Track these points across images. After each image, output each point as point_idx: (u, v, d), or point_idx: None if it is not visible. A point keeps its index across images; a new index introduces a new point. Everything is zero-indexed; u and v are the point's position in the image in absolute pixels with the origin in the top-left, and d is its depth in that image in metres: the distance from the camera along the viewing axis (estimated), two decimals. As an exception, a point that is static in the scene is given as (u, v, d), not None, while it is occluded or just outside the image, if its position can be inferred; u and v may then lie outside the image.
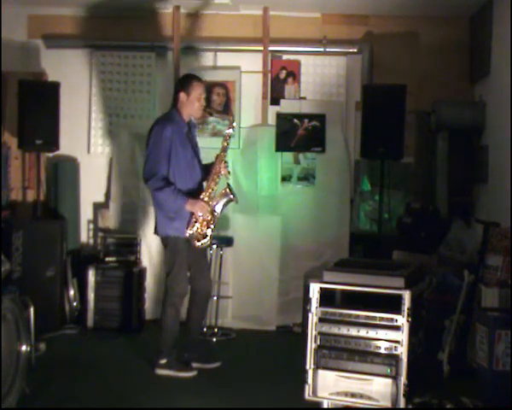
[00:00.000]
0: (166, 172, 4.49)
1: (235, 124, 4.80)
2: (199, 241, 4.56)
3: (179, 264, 4.58)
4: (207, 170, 4.69)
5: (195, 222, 4.53)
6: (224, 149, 4.65)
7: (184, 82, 4.69)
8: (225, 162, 4.65)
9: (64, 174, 6.48)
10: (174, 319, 4.61)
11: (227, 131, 4.70)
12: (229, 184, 4.72)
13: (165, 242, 4.63)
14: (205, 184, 4.67)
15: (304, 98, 6.39)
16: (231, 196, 4.66)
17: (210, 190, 4.60)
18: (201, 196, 4.56)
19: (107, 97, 6.65)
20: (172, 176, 4.51)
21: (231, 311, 5.98)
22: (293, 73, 6.49)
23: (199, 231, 4.54)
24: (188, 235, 4.53)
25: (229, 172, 4.71)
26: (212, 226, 4.58)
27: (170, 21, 6.35)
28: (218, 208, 4.62)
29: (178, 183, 4.51)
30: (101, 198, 6.66)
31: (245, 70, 6.31)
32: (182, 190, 4.51)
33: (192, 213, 4.52)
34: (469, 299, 4.62)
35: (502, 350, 4.06)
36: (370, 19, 6.54)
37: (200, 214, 4.52)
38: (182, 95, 4.61)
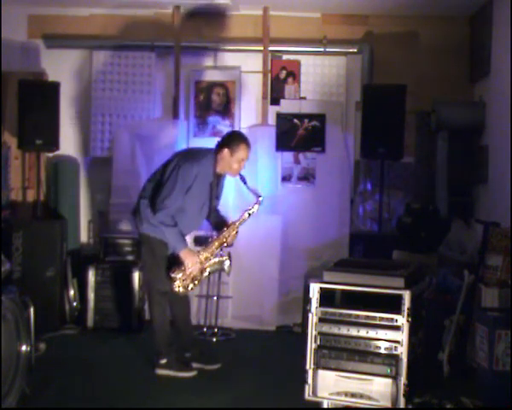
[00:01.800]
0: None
1: (261, 199, 4.58)
2: (177, 286, 4.46)
3: (158, 263, 4.53)
4: (218, 220, 4.64)
5: (183, 270, 4.44)
6: (241, 222, 4.58)
7: (233, 140, 4.51)
8: (236, 232, 4.58)
9: (64, 174, 6.48)
10: (162, 316, 4.61)
11: (254, 208, 4.57)
12: (230, 254, 4.62)
13: (145, 239, 4.57)
14: (212, 237, 4.59)
15: (304, 98, 6.40)
16: (226, 268, 4.58)
17: (210, 250, 4.53)
18: (200, 252, 4.51)
19: (107, 97, 6.65)
20: (179, 207, 4.42)
21: (231, 311, 5.98)
22: (293, 73, 6.49)
23: (182, 279, 4.45)
24: (170, 276, 4.44)
25: (231, 245, 4.62)
26: (195, 282, 4.51)
27: (170, 21, 6.36)
28: (210, 270, 4.56)
29: (180, 216, 4.42)
30: (101, 198, 6.66)
31: (245, 70, 6.31)
32: (180, 224, 4.41)
33: (183, 262, 4.44)
34: (469, 299, 4.62)
35: (502, 350, 4.06)
36: (370, 19, 6.54)
37: (190, 268, 4.44)
38: (226, 151, 4.46)
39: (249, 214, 4.58)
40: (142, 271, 4.58)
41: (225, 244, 4.58)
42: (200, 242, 5.05)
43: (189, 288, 4.51)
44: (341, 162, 6.16)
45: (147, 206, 4.50)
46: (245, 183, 4.55)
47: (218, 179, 4.60)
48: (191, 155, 4.58)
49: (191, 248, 4.58)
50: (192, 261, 4.43)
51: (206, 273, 4.55)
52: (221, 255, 4.57)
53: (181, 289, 4.48)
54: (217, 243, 4.56)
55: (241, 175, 4.55)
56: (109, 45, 6.64)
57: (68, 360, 4.86)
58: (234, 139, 4.53)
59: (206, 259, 4.52)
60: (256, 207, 4.57)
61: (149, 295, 4.65)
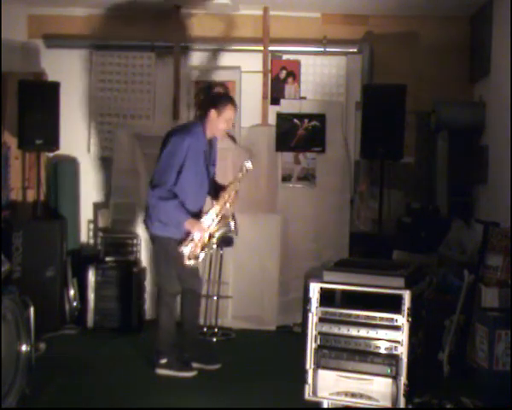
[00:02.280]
0: (174, 183, 4.42)
1: (252, 159, 4.64)
2: (189, 259, 4.48)
3: (168, 263, 4.54)
4: (217, 189, 4.64)
5: (191, 241, 4.46)
6: (239, 180, 4.59)
7: (219, 100, 4.53)
8: (236, 192, 4.58)
9: (64, 174, 6.48)
10: (169, 318, 4.61)
11: (246, 165, 4.56)
12: (234, 215, 4.62)
13: (156, 240, 4.58)
14: (212, 204, 4.60)
15: (304, 98, 6.40)
16: (232, 228, 4.60)
17: (213, 216, 4.56)
18: (202, 219, 4.51)
19: (107, 97, 6.65)
20: (179, 188, 4.44)
21: (231, 311, 5.98)
22: (293, 73, 6.49)
23: (192, 251, 4.47)
24: (180, 251, 4.45)
25: (231, 204, 4.60)
26: (205, 250, 4.52)
27: (170, 21, 6.35)
28: (216, 235, 4.57)
29: (183, 196, 4.44)
30: (101, 198, 6.67)
31: (245, 70, 6.31)
32: (185, 204, 4.44)
33: (189, 232, 4.46)
34: (469, 299, 4.62)
35: (502, 350, 4.06)
36: (370, 19, 6.54)
37: (198, 236, 4.47)
38: (212, 112, 4.48)
39: (246, 171, 4.57)
40: (154, 272, 4.57)
41: (227, 205, 4.57)
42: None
43: (200, 257, 4.50)
44: (341, 162, 6.16)
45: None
46: (235, 141, 4.68)
47: (210, 145, 4.61)
48: (180, 128, 4.64)
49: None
50: (198, 228, 4.44)
51: (214, 239, 4.56)
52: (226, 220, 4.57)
53: (192, 261, 4.48)
54: (219, 207, 4.55)
55: (229, 134, 4.61)
56: (109, 45, 6.64)
57: (68, 360, 4.86)
58: (219, 100, 4.54)
59: (211, 223, 4.52)
60: (250, 164, 4.55)
61: (159, 295, 4.64)
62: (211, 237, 4.54)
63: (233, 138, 4.71)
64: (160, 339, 4.62)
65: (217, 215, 4.55)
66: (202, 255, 4.52)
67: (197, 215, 4.51)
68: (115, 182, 6.37)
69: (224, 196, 4.56)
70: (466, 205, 6.07)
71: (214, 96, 4.62)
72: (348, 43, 6.50)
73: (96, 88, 6.66)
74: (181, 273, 4.62)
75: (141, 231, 6.07)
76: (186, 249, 4.45)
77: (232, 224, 4.59)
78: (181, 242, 4.45)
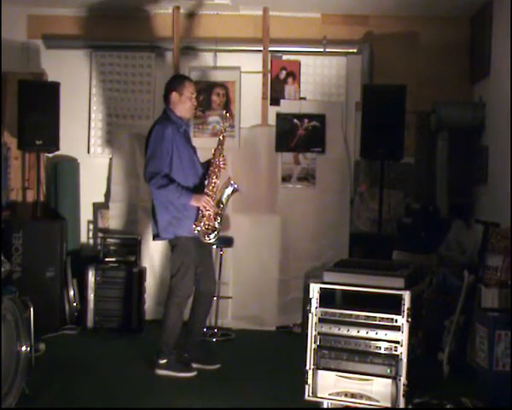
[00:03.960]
0: (169, 171, 4.48)
1: (228, 115, 4.81)
2: (208, 236, 4.55)
3: (187, 265, 4.56)
4: (206, 166, 4.71)
5: (203, 217, 4.53)
6: (222, 143, 4.67)
7: (176, 82, 4.74)
8: (223, 156, 4.66)
9: (64, 174, 6.49)
10: (177, 319, 4.60)
11: (222, 126, 4.76)
12: (229, 177, 4.74)
13: (174, 243, 4.60)
14: (206, 180, 4.66)
15: (304, 98, 6.39)
16: (235, 186, 4.68)
17: (212, 184, 4.60)
18: (205, 191, 4.57)
19: (107, 97, 6.66)
20: (175, 175, 4.50)
21: (231, 311, 5.97)
22: (293, 74, 6.49)
23: (206, 225, 4.53)
24: (196, 232, 4.52)
25: (224, 165, 4.68)
26: (219, 219, 4.58)
27: (169, 21, 6.35)
28: (224, 199, 4.65)
29: (182, 181, 4.50)
30: (101, 198, 6.67)
31: (245, 70, 6.31)
32: (186, 186, 4.52)
33: (198, 209, 4.52)
34: (469, 299, 4.62)
35: (502, 350, 4.06)
36: (370, 19, 6.54)
37: (207, 208, 4.52)
38: (174, 94, 4.65)
39: (224, 130, 4.71)
40: (171, 272, 4.61)
41: (222, 167, 4.64)
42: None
43: (217, 227, 4.56)
44: (341, 162, 6.16)
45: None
46: (203, 112, 4.87)
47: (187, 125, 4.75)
48: (158, 119, 4.72)
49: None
50: (204, 201, 4.50)
51: (223, 204, 4.63)
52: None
53: (212, 236, 4.54)
54: (213, 175, 4.62)
55: (197, 108, 4.82)
56: (109, 45, 6.64)
57: (68, 360, 4.86)
58: (176, 81, 4.76)
59: (214, 192, 4.58)
60: (226, 123, 4.75)
61: (170, 294, 4.61)
62: (219, 203, 4.60)
63: (201, 111, 4.92)
64: (165, 339, 4.60)
65: (215, 182, 4.61)
66: (217, 225, 4.56)
67: (200, 190, 4.57)
68: (115, 182, 6.38)
69: (214, 164, 4.62)
70: (466, 205, 6.07)
71: (169, 81, 4.82)
72: (348, 43, 6.51)
73: (95, 88, 6.67)
74: (199, 274, 4.66)
75: (141, 231, 6.09)
76: (200, 228, 4.51)
77: (233, 182, 4.67)
78: (194, 225, 4.51)
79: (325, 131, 6.12)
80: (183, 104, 4.66)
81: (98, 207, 6.63)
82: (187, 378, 4.54)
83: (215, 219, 4.56)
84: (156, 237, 4.67)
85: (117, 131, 6.52)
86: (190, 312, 4.78)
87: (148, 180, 4.50)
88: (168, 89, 4.71)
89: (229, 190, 4.67)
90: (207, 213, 4.53)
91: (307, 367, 3.72)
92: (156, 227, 4.63)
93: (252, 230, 5.97)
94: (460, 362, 4.55)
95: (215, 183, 4.61)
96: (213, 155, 4.66)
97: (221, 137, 4.69)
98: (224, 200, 4.65)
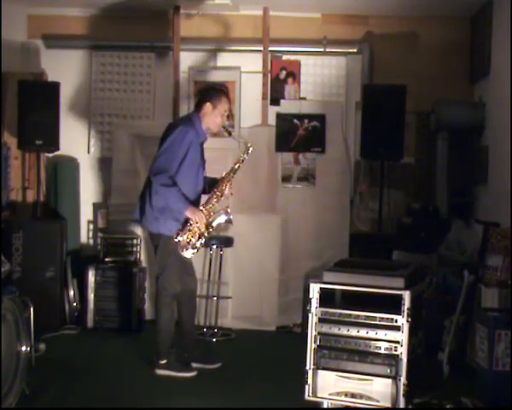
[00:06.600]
0: (174, 173, 4.44)
1: (251, 150, 4.67)
2: (186, 250, 4.47)
3: (172, 264, 4.54)
4: (210, 183, 4.67)
5: (189, 230, 4.46)
6: (234, 172, 4.62)
7: (213, 93, 4.60)
8: (231, 183, 4.61)
9: (64, 174, 6.49)
10: (170, 318, 4.60)
11: (242, 156, 4.64)
12: (228, 207, 4.67)
13: (157, 240, 4.56)
14: (207, 197, 4.63)
15: (304, 98, 6.39)
16: (230, 217, 4.63)
17: (210, 205, 4.57)
18: (201, 208, 4.53)
19: (107, 97, 6.66)
20: (179, 180, 4.45)
21: (231, 311, 5.97)
22: (293, 74, 6.49)
23: (189, 239, 4.47)
24: (177, 240, 4.45)
25: (231, 194, 4.67)
26: (202, 240, 4.52)
27: (170, 21, 6.36)
28: (214, 225, 4.59)
29: (182, 186, 4.45)
30: (101, 198, 6.67)
31: (245, 70, 6.31)
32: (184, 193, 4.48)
33: (187, 222, 4.47)
34: (469, 299, 4.62)
35: (502, 350, 4.06)
36: (370, 19, 6.55)
37: (198, 224, 4.48)
38: (208, 105, 4.55)
39: (242, 162, 4.64)
40: (157, 271, 4.59)
41: (227, 195, 4.62)
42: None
43: (197, 247, 4.50)
44: (341, 162, 6.16)
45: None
46: (230, 134, 4.74)
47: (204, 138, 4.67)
48: (184, 120, 4.66)
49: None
50: (198, 216, 4.45)
51: (212, 228, 4.58)
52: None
53: (190, 252, 4.47)
54: (215, 197, 4.58)
55: (224, 127, 4.68)
56: (109, 45, 6.64)
57: (68, 360, 4.86)
58: (214, 93, 4.62)
59: (209, 213, 4.54)
60: (246, 156, 4.64)
61: (159, 295, 4.61)
62: (209, 226, 4.56)
63: (228, 132, 4.78)
64: (160, 339, 4.61)
65: (213, 205, 4.58)
66: (198, 245, 4.51)
67: (195, 204, 4.54)
68: (115, 182, 6.37)
69: (219, 188, 4.59)
70: (466, 205, 6.07)
71: (208, 89, 4.73)
72: (348, 43, 6.51)
73: (95, 88, 6.67)
74: (181, 272, 4.63)
75: (140, 231, 6.09)
76: (182, 238, 4.45)
77: (229, 212, 4.63)
78: (177, 233, 4.46)
79: (325, 131, 6.12)
80: (214, 118, 4.57)
81: (98, 207, 6.63)
82: (187, 378, 4.54)
83: (199, 237, 4.50)
84: (137, 222, 4.67)
85: (117, 131, 6.51)
86: (177, 312, 4.76)
87: (153, 174, 4.44)
88: (204, 98, 4.60)
89: (222, 219, 4.61)
90: (195, 228, 4.47)
91: (307, 367, 3.72)
92: (140, 214, 4.59)
93: (252, 230, 5.97)
94: (460, 362, 4.55)
95: (213, 205, 4.58)
96: (222, 178, 4.61)
97: (236, 166, 4.62)
98: (214, 225, 4.59)
